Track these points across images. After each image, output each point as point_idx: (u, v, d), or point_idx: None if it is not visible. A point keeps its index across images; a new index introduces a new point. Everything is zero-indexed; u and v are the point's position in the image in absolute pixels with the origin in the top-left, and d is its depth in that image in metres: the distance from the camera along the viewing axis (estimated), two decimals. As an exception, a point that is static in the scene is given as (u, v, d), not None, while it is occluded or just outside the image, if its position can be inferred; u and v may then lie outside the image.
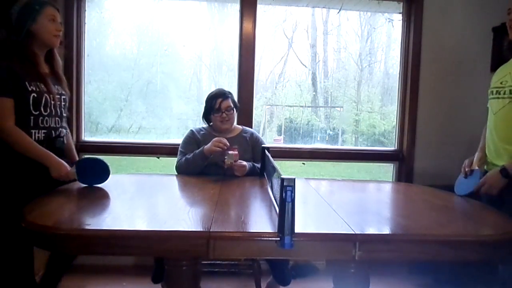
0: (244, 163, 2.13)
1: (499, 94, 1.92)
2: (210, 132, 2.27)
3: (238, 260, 2.56)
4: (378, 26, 3.26)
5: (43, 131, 1.77)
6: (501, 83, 1.95)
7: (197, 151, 2.14)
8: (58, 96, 1.83)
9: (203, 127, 2.34)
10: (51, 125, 1.80)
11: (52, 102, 1.78)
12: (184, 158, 2.17)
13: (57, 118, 1.83)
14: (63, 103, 1.87)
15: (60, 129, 1.86)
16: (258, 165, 2.18)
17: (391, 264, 2.50)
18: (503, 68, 2.05)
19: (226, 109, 2.23)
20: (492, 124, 1.96)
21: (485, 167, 1.97)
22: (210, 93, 2.31)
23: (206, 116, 2.32)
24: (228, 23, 3.09)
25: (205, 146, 2.11)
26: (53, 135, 1.82)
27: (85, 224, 1.27)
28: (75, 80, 2.70)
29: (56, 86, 1.84)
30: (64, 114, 1.89)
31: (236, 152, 2.07)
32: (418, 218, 1.54)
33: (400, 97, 2.94)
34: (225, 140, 2.07)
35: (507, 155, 1.82)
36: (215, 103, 2.23)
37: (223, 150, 2.05)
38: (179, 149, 2.24)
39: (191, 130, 2.30)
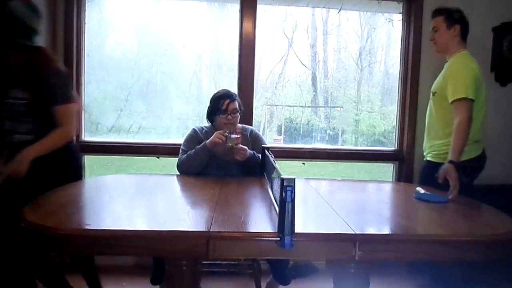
0: (245, 147, 2.13)
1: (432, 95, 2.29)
2: (213, 132, 2.26)
3: (238, 260, 2.56)
4: (378, 26, 3.26)
5: None
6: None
7: (198, 146, 2.14)
8: (11, 100, 1.81)
9: (205, 126, 2.33)
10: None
11: None
12: (186, 155, 2.16)
13: (7, 122, 1.83)
14: (16, 107, 1.81)
15: (13, 135, 1.84)
16: (259, 155, 2.19)
17: (391, 264, 2.50)
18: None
19: (232, 112, 2.22)
20: None
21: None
22: (217, 93, 2.28)
23: (210, 116, 2.31)
24: (228, 23, 3.09)
25: (207, 141, 2.11)
26: (6, 139, 1.84)
27: (85, 224, 1.27)
28: (75, 80, 2.70)
29: (10, 90, 1.81)
30: (22, 118, 1.83)
31: (239, 136, 2.08)
32: (418, 218, 1.54)
33: (400, 97, 2.94)
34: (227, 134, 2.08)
35: (429, 149, 2.29)
36: (221, 104, 2.21)
37: (226, 138, 2.06)
38: (181, 147, 2.23)
39: (194, 129, 2.29)
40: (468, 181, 2.12)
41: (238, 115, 2.27)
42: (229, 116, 2.21)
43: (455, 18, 2.20)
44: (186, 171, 2.15)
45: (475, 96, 2.05)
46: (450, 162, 1.98)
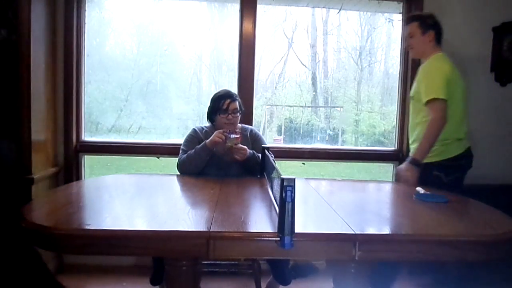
0: (245, 147, 2.14)
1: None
2: (213, 132, 2.26)
3: (238, 260, 2.56)
4: (378, 26, 3.25)
5: None
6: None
7: (198, 146, 2.15)
8: None
9: (205, 126, 2.34)
10: None
11: None
12: (186, 155, 2.17)
13: None
14: None
15: None
16: (259, 155, 2.19)
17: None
18: None
19: (233, 111, 2.22)
20: None
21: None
22: (217, 93, 2.29)
23: (210, 115, 2.31)
24: (228, 23, 3.08)
25: (207, 140, 2.12)
26: None
27: (85, 224, 1.27)
28: (75, 80, 2.70)
29: None
30: None
31: (239, 136, 2.08)
32: (418, 218, 1.54)
33: (400, 97, 2.94)
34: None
35: (413, 150, 2.25)
36: (222, 104, 2.21)
37: (225, 138, 2.06)
38: (181, 147, 2.23)
39: (194, 129, 2.30)
40: (450, 180, 2.12)
41: (239, 115, 2.27)
42: (230, 116, 2.21)
43: (429, 24, 2.23)
44: (186, 171, 2.15)
45: (449, 95, 2.07)
46: (412, 158, 2.11)
